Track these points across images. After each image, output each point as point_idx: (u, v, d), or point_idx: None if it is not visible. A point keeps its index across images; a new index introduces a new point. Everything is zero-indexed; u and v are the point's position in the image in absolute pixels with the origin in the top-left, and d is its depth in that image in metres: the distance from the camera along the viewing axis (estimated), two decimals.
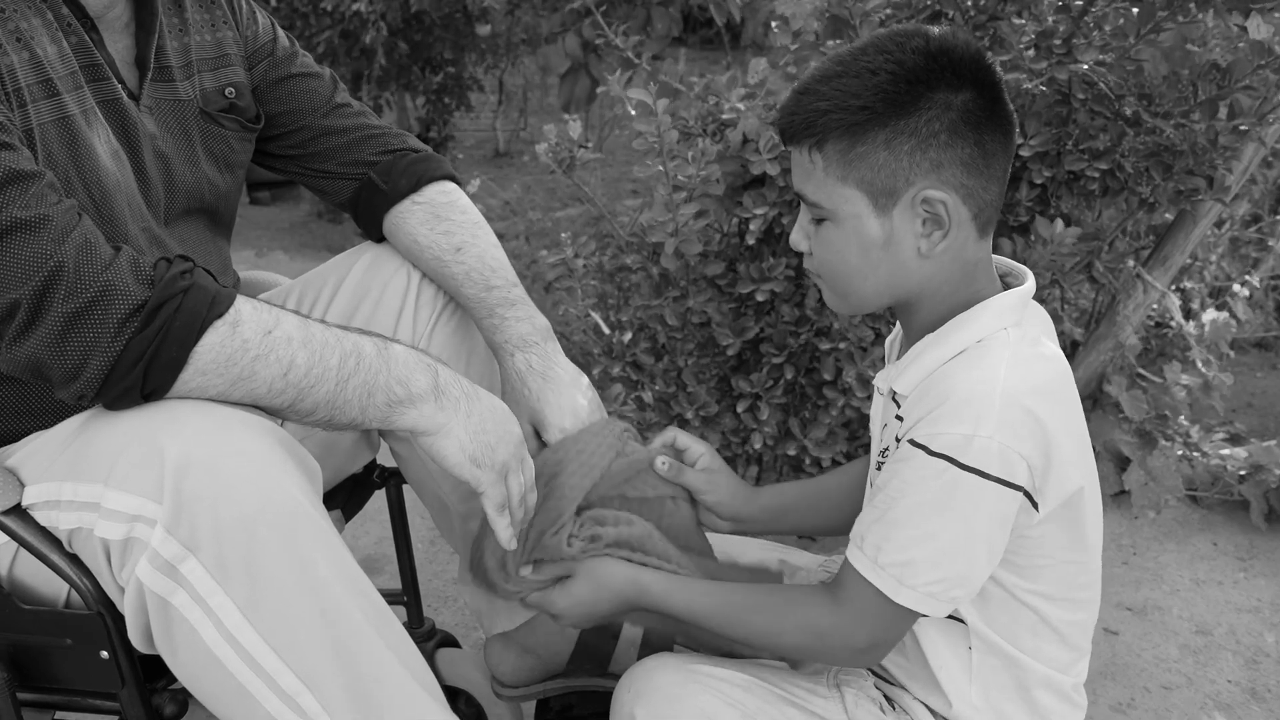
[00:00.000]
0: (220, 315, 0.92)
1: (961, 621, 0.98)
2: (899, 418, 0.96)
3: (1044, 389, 0.91)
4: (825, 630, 0.97)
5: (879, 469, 1.01)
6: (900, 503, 0.91)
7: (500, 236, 1.35)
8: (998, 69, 0.92)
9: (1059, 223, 1.68)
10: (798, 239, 0.99)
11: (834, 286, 0.99)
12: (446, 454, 1.02)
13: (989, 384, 0.89)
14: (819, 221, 0.96)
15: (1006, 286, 0.99)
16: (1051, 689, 1.00)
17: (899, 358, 1.02)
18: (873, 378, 1.31)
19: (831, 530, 1.24)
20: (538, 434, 1.24)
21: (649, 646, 1.31)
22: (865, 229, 0.92)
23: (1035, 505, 0.90)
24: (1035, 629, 0.98)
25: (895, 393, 0.99)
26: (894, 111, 0.89)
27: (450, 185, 1.33)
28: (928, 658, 1.01)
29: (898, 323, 1.07)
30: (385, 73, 4.32)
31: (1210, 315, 2.54)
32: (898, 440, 0.94)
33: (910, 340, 1.00)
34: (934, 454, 0.89)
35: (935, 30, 0.91)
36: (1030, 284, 0.98)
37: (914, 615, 0.94)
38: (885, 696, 1.06)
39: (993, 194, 0.93)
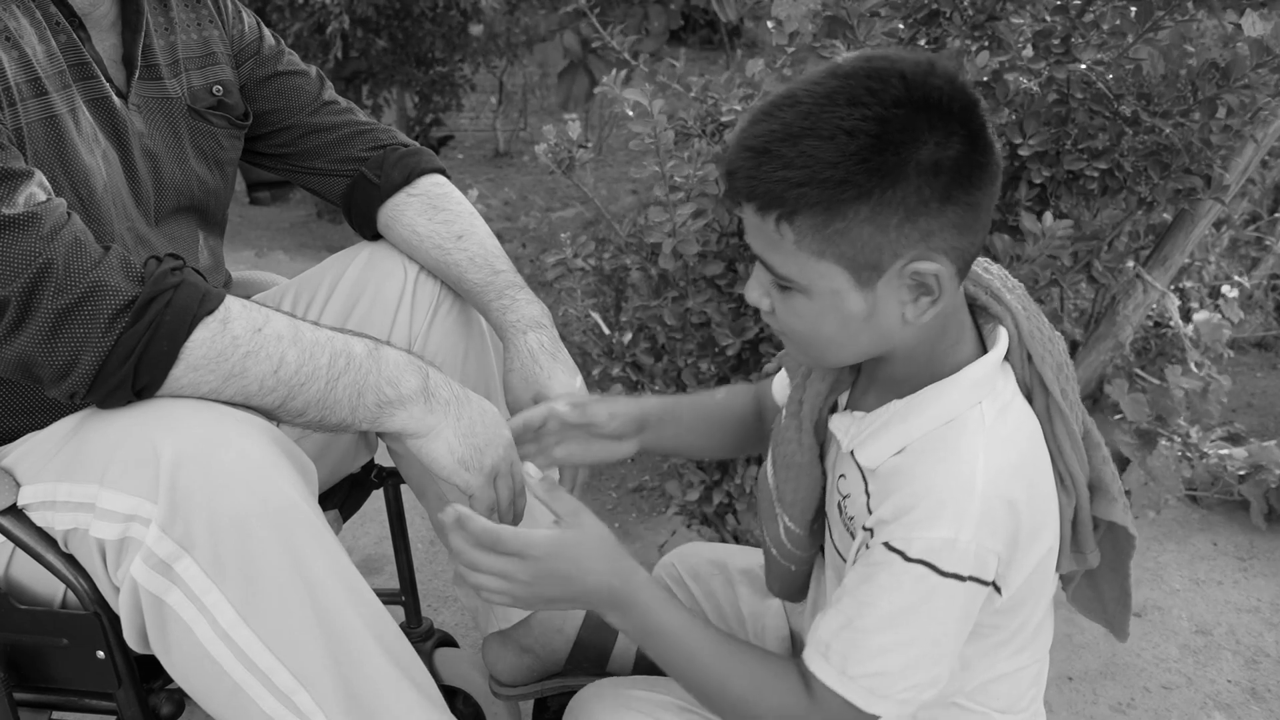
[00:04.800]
0: (210, 311, 0.92)
1: None
2: (868, 493, 0.89)
3: (1019, 467, 0.85)
4: None
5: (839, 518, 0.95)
6: (871, 610, 0.83)
7: (500, 237, 1.37)
8: (981, 102, 0.80)
9: (1048, 216, 1.68)
10: (757, 297, 0.86)
11: (803, 350, 0.89)
12: (435, 456, 1.02)
13: (967, 480, 0.82)
14: (784, 288, 0.83)
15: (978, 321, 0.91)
16: None
17: (851, 405, 0.95)
18: None
19: (705, 452, 1.19)
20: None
21: None
22: (845, 304, 0.81)
23: (999, 591, 0.85)
24: (985, 684, 0.94)
25: (855, 455, 0.90)
26: (877, 182, 0.76)
27: (441, 178, 1.35)
28: None
29: None
30: (355, 69, 4.18)
31: (1202, 316, 2.53)
32: (868, 523, 0.87)
33: (871, 386, 0.92)
34: (911, 560, 0.81)
35: (910, 64, 0.78)
36: (1000, 347, 0.88)
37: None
38: None
39: (978, 244, 0.83)
